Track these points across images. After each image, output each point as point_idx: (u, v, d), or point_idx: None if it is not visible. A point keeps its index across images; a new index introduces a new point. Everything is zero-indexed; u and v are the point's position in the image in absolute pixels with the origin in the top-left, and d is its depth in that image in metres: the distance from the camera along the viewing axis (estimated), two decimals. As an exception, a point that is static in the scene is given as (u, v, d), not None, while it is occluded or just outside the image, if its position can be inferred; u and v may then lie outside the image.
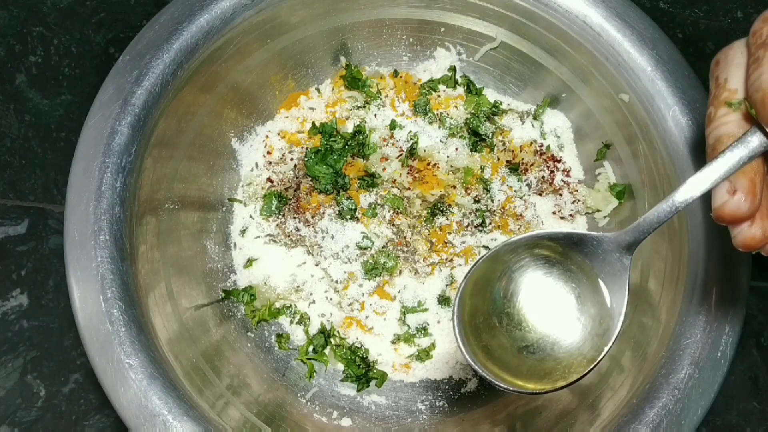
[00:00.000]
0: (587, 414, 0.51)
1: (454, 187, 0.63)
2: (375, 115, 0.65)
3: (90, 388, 0.60)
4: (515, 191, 0.63)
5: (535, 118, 0.65)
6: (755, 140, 0.32)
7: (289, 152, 0.64)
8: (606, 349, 0.38)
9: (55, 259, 0.63)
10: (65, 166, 0.53)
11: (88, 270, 0.47)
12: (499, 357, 0.39)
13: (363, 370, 0.59)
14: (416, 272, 0.61)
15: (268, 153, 0.64)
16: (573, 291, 0.40)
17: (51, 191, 0.64)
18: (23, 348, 0.60)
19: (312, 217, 0.62)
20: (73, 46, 0.68)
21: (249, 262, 0.61)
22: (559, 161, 0.64)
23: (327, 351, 0.60)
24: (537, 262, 0.41)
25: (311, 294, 0.61)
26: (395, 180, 0.63)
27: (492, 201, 0.63)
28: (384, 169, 0.63)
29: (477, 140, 0.64)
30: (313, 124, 0.64)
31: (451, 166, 0.63)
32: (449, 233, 0.62)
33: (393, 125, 0.64)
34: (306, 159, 0.62)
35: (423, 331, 0.60)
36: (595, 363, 0.38)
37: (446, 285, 0.61)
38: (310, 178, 0.63)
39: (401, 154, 0.63)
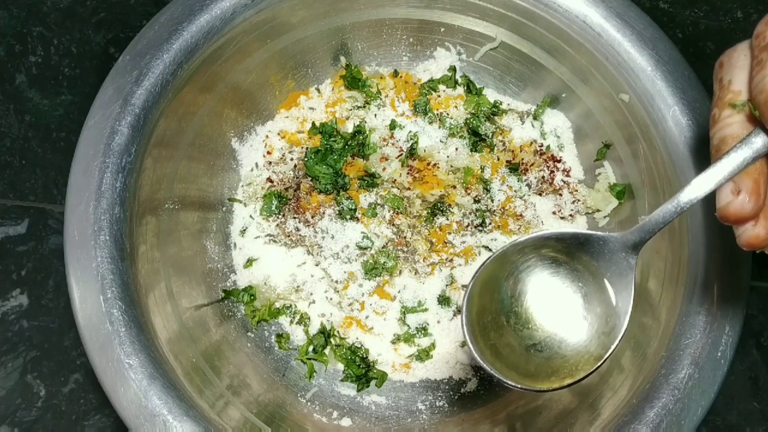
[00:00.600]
0: (587, 414, 0.51)
1: (454, 187, 0.63)
2: (375, 115, 0.65)
3: (90, 388, 0.60)
4: (515, 191, 0.63)
5: (535, 118, 0.65)
6: (759, 141, 0.33)
7: (289, 152, 0.64)
8: (612, 347, 0.38)
9: (55, 259, 0.63)
10: (65, 166, 0.53)
11: (88, 270, 0.47)
12: (507, 355, 0.40)
13: (363, 370, 0.59)
14: (416, 272, 0.61)
15: (268, 153, 0.64)
16: (579, 290, 0.41)
17: (51, 191, 0.64)
18: (23, 348, 0.60)
19: (312, 217, 0.62)
20: (73, 46, 0.68)
21: (249, 262, 0.61)
22: (559, 161, 0.64)
23: (327, 351, 0.60)
24: (544, 262, 0.41)
25: (311, 294, 0.61)
26: (395, 180, 0.63)
27: (492, 201, 0.63)
28: (384, 169, 0.63)
29: (477, 140, 0.64)
30: (313, 124, 0.64)
31: (451, 166, 0.63)
32: (449, 233, 0.62)
33: (393, 125, 0.64)
34: (306, 159, 0.62)
35: (423, 331, 0.60)
36: (602, 361, 0.38)
37: (446, 285, 0.61)
38: (310, 178, 0.63)
39: (401, 154, 0.63)
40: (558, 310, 0.41)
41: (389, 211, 0.62)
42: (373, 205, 0.62)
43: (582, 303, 0.40)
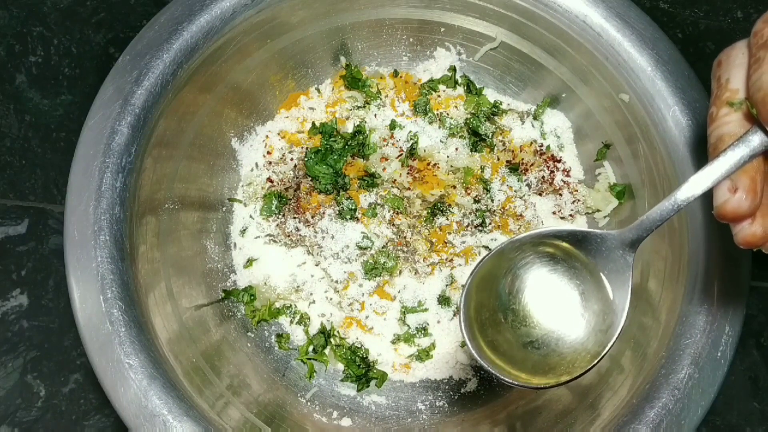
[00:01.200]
0: (587, 414, 0.51)
1: (454, 187, 0.63)
2: (375, 115, 0.65)
3: (90, 388, 0.60)
4: (515, 191, 0.63)
5: (535, 118, 0.65)
6: (756, 139, 0.33)
7: (289, 152, 0.64)
8: (609, 344, 0.38)
9: (55, 259, 0.63)
10: (65, 166, 0.53)
11: (88, 270, 0.47)
12: (504, 352, 0.40)
13: (363, 370, 0.59)
14: (416, 272, 0.61)
15: (268, 153, 0.64)
16: (577, 288, 0.41)
17: (51, 191, 0.64)
18: (23, 348, 0.60)
19: (312, 217, 0.62)
20: (73, 46, 0.68)
21: (249, 262, 0.61)
22: (559, 161, 0.64)
23: (327, 351, 0.60)
24: (542, 259, 0.41)
25: (311, 294, 0.61)
26: (395, 180, 0.63)
27: (492, 201, 0.63)
28: (384, 169, 0.63)
29: (477, 140, 0.64)
30: (313, 124, 0.64)
31: (451, 166, 0.63)
32: (449, 233, 0.62)
33: (393, 125, 0.64)
34: (306, 159, 0.62)
35: (423, 331, 0.60)
36: (599, 358, 0.38)
37: (446, 285, 0.61)
38: (310, 178, 0.63)
39: (401, 154, 0.63)
40: (555, 308, 0.41)
41: (389, 211, 0.62)
42: (373, 205, 0.62)
43: (579, 300, 0.41)
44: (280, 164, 0.64)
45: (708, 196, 0.35)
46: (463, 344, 0.60)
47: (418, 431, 0.58)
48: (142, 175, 0.51)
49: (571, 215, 0.63)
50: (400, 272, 0.61)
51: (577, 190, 0.63)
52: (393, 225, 0.62)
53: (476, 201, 0.62)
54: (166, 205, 0.55)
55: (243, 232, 0.62)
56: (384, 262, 0.60)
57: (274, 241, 0.62)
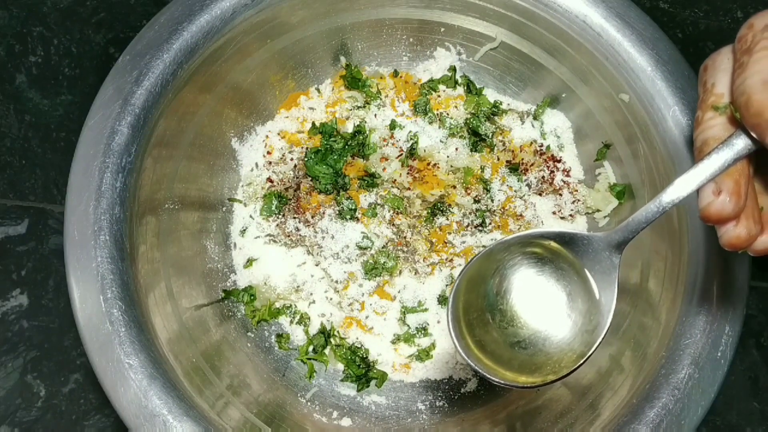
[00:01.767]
0: (587, 414, 0.51)
1: (454, 187, 0.63)
2: (375, 115, 0.65)
3: (90, 388, 0.60)
4: (515, 191, 0.63)
5: (535, 118, 0.65)
6: (740, 143, 0.33)
7: (289, 152, 0.64)
8: (595, 345, 0.39)
9: (55, 259, 0.63)
10: (65, 166, 0.53)
11: (88, 270, 0.47)
12: (492, 351, 0.41)
13: (363, 370, 0.59)
14: (416, 272, 0.61)
15: (268, 153, 0.64)
16: (564, 288, 0.41)
17: (51, 191, 0.64)
18: (23, 348, 0.60)
19: (312, 217, 0.62)
20: (73, 46, 0.68)
21: (249, 262, 0.61)
22: (559, 161, 0.64)
23: (327, 351, 0.60)
24: (529, 260, 0.42)
25: (311, 294, 0.61)
26: (395, 180, 0.63)
27: (492, 201, 0.63)
28: (384, 169, 0.63)
29: (477, 140, 0.64)
30: (313, 124, 0.64)
31: (451, 166, 0.63)
32: (449, 233, 0.62)
33: (393, 125, 0.64)
34: (306, 159, 0.62)
35: (423, 331, 0.60)
36: (585, 358, 0.39)
37: (446, 285, 0.61)
38: (310, 178, 0.63)
39: (401, 154, 0.63)
40: (543, 308, 0.41)
41: (389, 211, 0.62)
42: (373, 205, 0.62)
43: (566, 301, 0.41)
44: (280, 164, 0.64)
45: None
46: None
47: (418, 431, 0.58)
48: (142, 175, 0.51)
49: (571, 215, 0.63)
50: (400, 272, 0.61)
51: (577, 190, 0.63)
52: (393, 225, 0.62)
53: (476, 201, 0.62)
54: (166, 205, 0.55)
55: (243, 232, 0.62)
56: (384, 262, 0.60)
57: (274, 241, 0.62)
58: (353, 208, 0.62)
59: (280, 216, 0.62)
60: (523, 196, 0.63)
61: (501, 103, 0.65)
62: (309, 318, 0.61)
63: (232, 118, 0.62)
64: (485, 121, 0.64)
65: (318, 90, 0.66)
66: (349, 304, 0.60)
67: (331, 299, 0.61)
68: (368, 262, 0.61)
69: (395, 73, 0.67)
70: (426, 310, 0.60)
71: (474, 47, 0.64)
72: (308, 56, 0.64)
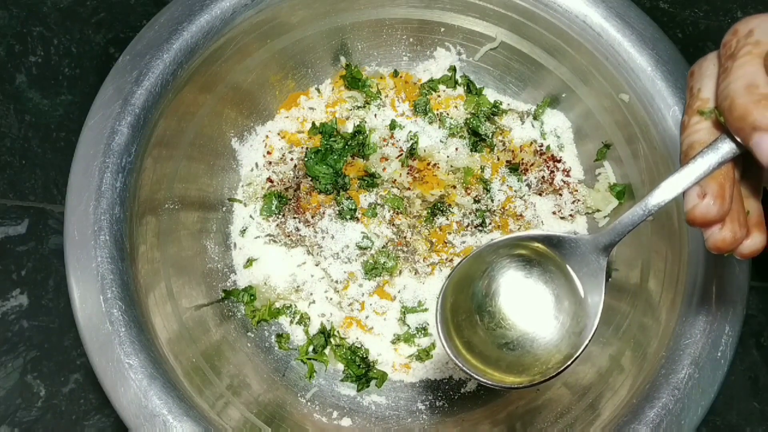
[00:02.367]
0: (587, 414, 0.51)
1: (454, 187, 0.63)
2: (375, 115, 0.65)
3: (90, 388, 0.60)
4: (515, 191, 0.63)
5: (535, 118, 0.65)
6: (725, 147, 0.34)
7: (289, 152, 0.64)
8: (583, 346, 0.39)
9: (55, 259, 0.63)
10: (65, 166, 0.53)
11: (88, 270, 0.47)
12: (480, 352, 0.41)
13: (363, 370, 0.59)
14: (416, 272, 0.61)
15: (268, 153, 0.64)
16: (552, 291, 0.42)
17: (51, 191, 0.64)
18: (23, 348, 0.60)
19: (312, 217, 0.62)
20: (73, 46, 0.68)
21: (249, 262, 0.61)
22: (559, 161, 0.64)
23: (327, 351, 0.60)
24: (517, 262, 0.42)
25: (311, 294, 0.61)
26: (395, 180, 0.63)
27: (492, 201, 0.63)
28: (384, 169, 0.63)
29: (477, 140, 0.64)
30: (313, 124, 0.64)
31: (451, 166, 0.63)
32: (449, 233, 0.62)
33: (393, 125, 0.64)
34: (306, 159, 0.62)
35: (423, 331, 0.60)
36: (572, 360, 0.39)
37: (446, 285, 0.61)
38: (310, 178, 0.63)
39: (401, 154, 0.63)
40: (530, 310, 0.42)
41: (389, 211, 0.62)
42: (373, 205, 0.62)
43: (554, 303, 0.41)
44: (280, 164, 0.64)
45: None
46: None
47: (418, 431, 0.58)
48: (142, 175, 0.51)
49: (571, 215, 0.63)
50: (400, 272, 0.61)
51: (577, 190, 0.63)
52: (393, 225, 0.62)
53: (476, 201, 0.62)
54: (166, 205, 0.55)
55: (243, 232, 0.62)
56: (384, 262, 0.60)
57: (274, 241, 0.62)
58: (353, 208, 0.62)
59: (280, 216, 0.62)
60: (523, 196, 0.63)
61: (501, 103, 0.65)
62: (309, 318, 0.61)
63: (232, 118, 0.62)
64: (485, 121, 0.64)
65: (318, 90, 0.66)
66: (349, 304, 0.60)
67: (331, 299, 0.61)
68: (368, 262, 0.61)
69: (395, 73, 0.67)
70: (426, 310, 0.60)
71: (474, 47, 0.64)
72: (308, 56, 0.64)
